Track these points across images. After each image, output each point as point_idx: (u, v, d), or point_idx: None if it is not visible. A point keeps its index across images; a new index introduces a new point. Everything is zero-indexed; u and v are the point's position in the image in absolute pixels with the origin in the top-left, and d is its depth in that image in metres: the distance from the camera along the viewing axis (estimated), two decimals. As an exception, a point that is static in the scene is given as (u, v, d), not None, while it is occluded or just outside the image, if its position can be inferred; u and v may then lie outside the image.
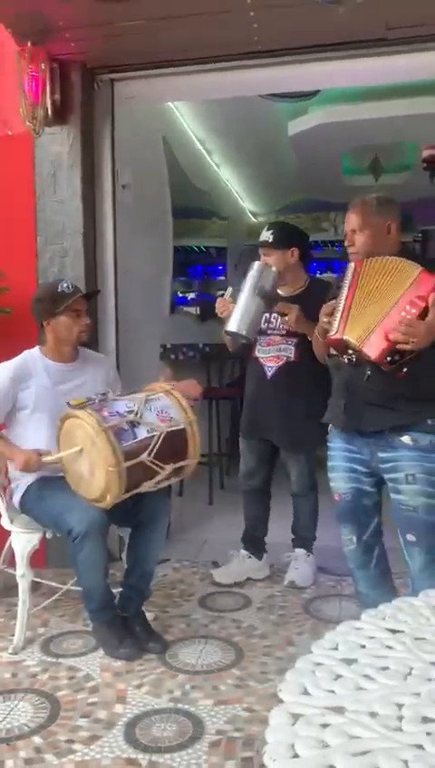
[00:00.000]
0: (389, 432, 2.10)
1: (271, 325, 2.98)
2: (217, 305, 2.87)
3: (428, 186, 5.54)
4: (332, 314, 2.05)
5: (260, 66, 3.11)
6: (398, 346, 1.91)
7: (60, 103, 3.08)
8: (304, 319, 2.76)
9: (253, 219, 8.88)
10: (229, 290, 2.86)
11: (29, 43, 2.87)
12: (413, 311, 1.90)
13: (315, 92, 4.54)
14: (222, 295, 2.90)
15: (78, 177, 3.17)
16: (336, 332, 2.00)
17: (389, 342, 1.91)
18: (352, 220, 2.20)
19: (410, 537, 2.10)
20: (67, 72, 3.10)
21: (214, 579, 3.10)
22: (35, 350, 2.64)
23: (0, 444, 2.49)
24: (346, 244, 2.21)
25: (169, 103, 4.64)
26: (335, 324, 2.01)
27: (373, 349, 1.94)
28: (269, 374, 3.00)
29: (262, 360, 3.02)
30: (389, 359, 1.93)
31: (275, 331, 2.98)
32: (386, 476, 2.14)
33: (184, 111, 4.99)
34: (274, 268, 2.77)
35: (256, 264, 2.77)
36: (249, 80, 3.23)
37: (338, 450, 2.25)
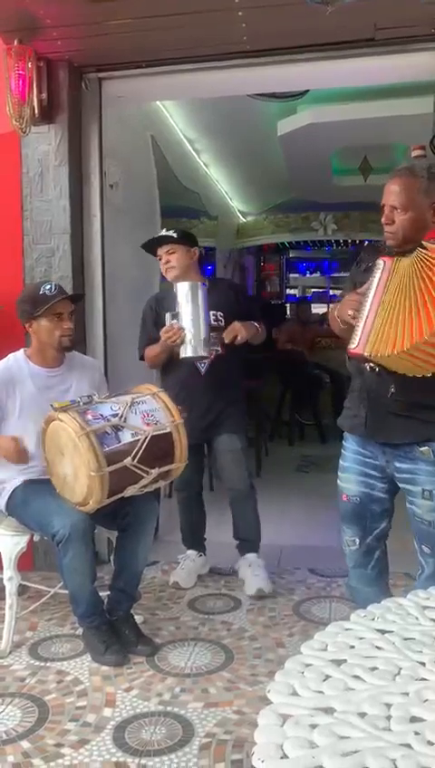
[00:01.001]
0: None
1: None
2: (166, 335, 2.77)
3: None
4: (358, 310, 1.84)
5: (249, 66, 3.10)
6: None
7: (47, 102, 3.06)
8: (245, 326, 2.88)
9: (242, 219, 8.89)
10: (168, 315, 2.82)
11: (16, 42, 2.85)
12: None
13: (304, 92, 4.54)
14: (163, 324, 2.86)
15: (65, 176, 3.15)
16: (357, 346, 1.81)
17: None
18: (394, 195, 1.89)
19: (426, 549, 2.03)
20: (54, 70, 3.09)
21: (180, 585, 3.05)
22: (20, 353, 2.60)
23: None
24: (384, 221, 1.92)
25: (158, 103, 4.63)
26: (357, 336, 1.80)
27: None
28: (203, 370, 2.96)
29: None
30: None
31: None
32: (402, 486, 2.05)
33: (173, 111, 4.98)
34: (199, 283, 2.79)
35: (185, 285, 2.77)
36: (238, 79, 3.23)
37: (351, 452, 2.13)
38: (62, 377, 2.61)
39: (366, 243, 7.62)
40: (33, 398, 2.50)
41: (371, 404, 2.01)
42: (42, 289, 2.51)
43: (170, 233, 3.01)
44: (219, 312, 2.92)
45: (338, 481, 2.17)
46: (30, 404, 2.48)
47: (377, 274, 1.83)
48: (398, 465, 2.02)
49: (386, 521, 2.14)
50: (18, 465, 2.44)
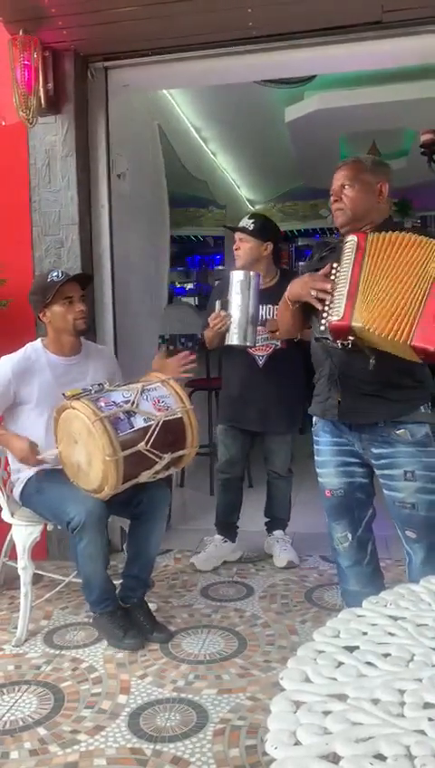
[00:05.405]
0: (383, 425, 1.96)
1: None
2: (212, 321, 2.88)
3: (426, 171, 5.50)
4: (323, 290, 1.83)
5: (255, 52, 3.07)
6: None
7: (53, 92, 3.06)
8: None
9: (250, 207, 8.83)
10: (218, 303, 2.90)
11: (21, 32, 2.84)
12: None
13: (311, 78, 4.50)
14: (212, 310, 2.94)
15: (73, 166, 3.15)
16: (342, 318, 1.76)
17: None
18: (341, 176, 2.02)
19: (410, 534, 1.99)
20: (60, 60, 3.08)
21: (196, 567, 3.13)
22: (38, 342, 2.63)
23: None
24: (332, 200, 2.02)
25: (165, 91, 4.60)
26: (341, 308, 1.76)
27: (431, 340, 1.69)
28: (261, 363, 3.05)
29: (251, 351, 3.03)
30: None
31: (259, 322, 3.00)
32: (379, 472, 2.02)
33: (179, 99, 4.94)
34: (252, 273, 2.84)
35: (238, 273, 2.84)
36: (244, 65, 3.20)
37: (326, 445, 2.11)
38: (80, 365, 2.63)
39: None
40: (50, 386, 2.52)
41: (344, 386, 1.98)
42: (50, 276, 2.56)
43: (248, 222, 3.06)
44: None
45: (318, 478, 2.15)
46: (47, 393, 2.50)
47: (347, 249, 1.83)
48: (374, 450, 2.00)
49: (371, 507, 2.13)
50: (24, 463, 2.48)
